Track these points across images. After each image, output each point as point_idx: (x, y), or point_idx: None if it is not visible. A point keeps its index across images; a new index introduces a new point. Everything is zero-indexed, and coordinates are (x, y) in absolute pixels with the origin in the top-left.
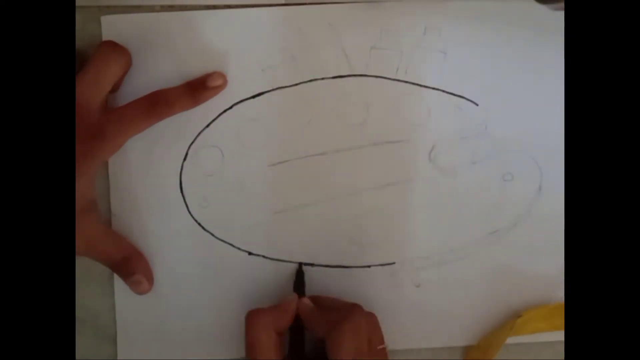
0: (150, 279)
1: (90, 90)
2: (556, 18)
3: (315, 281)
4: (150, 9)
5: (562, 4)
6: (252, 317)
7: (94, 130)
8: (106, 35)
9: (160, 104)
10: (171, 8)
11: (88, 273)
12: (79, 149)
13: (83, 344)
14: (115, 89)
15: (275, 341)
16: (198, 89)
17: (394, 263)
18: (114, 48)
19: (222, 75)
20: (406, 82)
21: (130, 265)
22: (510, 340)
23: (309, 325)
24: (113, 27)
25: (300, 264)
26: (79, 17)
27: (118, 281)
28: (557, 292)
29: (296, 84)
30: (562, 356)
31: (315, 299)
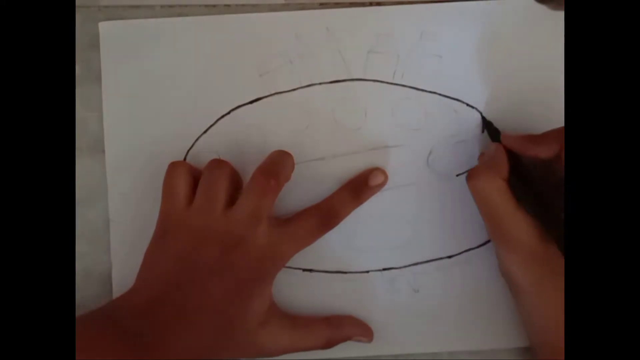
0: (366, 330)
1: (250, 220)
2: (556, 18)
3: (314, 287)
4: (150, 8)
5: (562, 4)
6: (471, 176)
7: (265, 252)
8: (104, 42)
9: (329, 215)
10: (171, 8)
11: (88, 273)
12: (252, 273)
13: None
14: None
15: (503, 186)
16: (361, 189)
17: (392, 268)
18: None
19: (383, 172)
20: (403, 85)
21: (339, 335)
22: (508, 343)
23: (528, 151)
24: (111, 33)
25: (483, 118)
26: (78, 18)
27: (117, 281)
28: None
29: (294, 89)
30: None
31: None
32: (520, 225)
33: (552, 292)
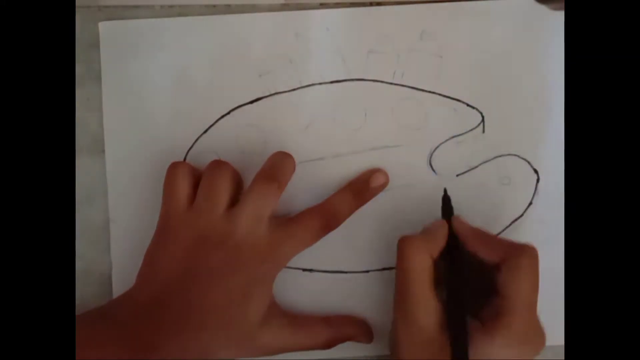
0: (366, 330)
1: (252, 223)
2: (556, 18)
3: (314, 287)
4: (150, 8)
5: (562, 4)
6: (404, 242)
7: (265, 253)
8: (104, 42)
9: (330, 216)
10: (171, 8)
11: (88, 273)
12: (253, 274)
13: None
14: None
15: (429, 265)
16: (362, 190)
17: (392, 268)
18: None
19: (384, 173)
20: (403, 85)
21: (339, 335)
22: None
23: (474, 246)
24: (111, 33)
25: (445, 190)
26: (78, 17)
27: (117, 281)
28: (556, 295)
29: (294, 89)
30: (562, 356)
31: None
32: (427, 312)
33: None
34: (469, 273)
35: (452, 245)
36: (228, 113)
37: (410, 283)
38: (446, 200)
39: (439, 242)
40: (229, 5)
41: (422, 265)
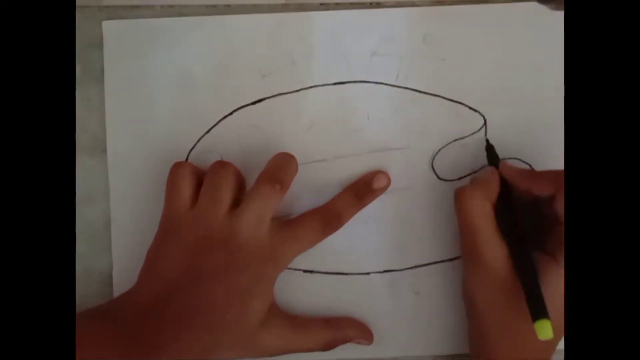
0: (366, 332)
1: (255, 225)
2: (558, 20)
3: (315, 288)
4: (151, 8)
5: (562, 4)
6: (462, 193)
7: (266, 254)
8: (107, 41)
9: (331, 217)
10: (171, 8)
11: (88, 273)
12: (254, 275)
13: None
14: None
15: (490, 210)
16: (364, 192)
17: (393, 270)
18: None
19: (386, 175)
20: (406, 88)
21: (339, 337)
22: None
23: (527, 184)
24: (114, 32)
25: (487, 139)
26: (79, 17)
27: (118, 281)
28: None
29: (296, 90)
30: (562, 356)
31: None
32: (497, 253)
33: (512, 322)
34: (525, 211)
35: (504, 189)
36: (230, 113)
37: (475, 229)
38: (490, 147)
39: (494, 187)
40: (229, 6)
41: (483, 210)
